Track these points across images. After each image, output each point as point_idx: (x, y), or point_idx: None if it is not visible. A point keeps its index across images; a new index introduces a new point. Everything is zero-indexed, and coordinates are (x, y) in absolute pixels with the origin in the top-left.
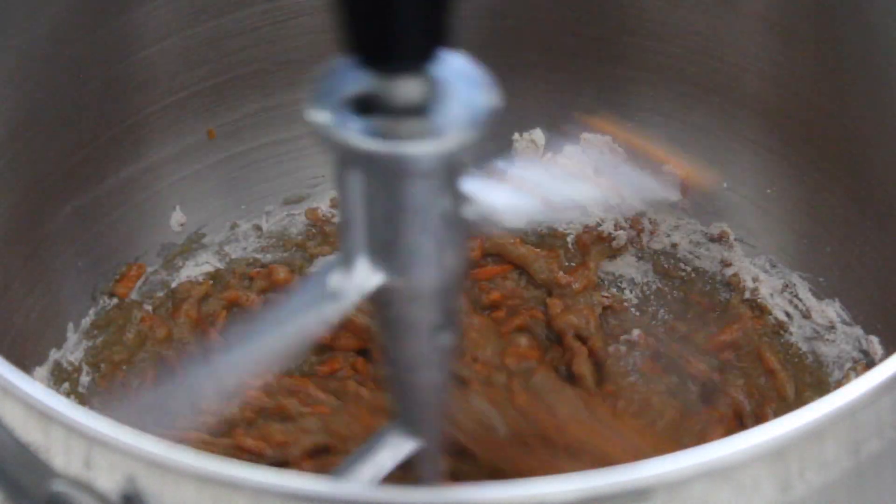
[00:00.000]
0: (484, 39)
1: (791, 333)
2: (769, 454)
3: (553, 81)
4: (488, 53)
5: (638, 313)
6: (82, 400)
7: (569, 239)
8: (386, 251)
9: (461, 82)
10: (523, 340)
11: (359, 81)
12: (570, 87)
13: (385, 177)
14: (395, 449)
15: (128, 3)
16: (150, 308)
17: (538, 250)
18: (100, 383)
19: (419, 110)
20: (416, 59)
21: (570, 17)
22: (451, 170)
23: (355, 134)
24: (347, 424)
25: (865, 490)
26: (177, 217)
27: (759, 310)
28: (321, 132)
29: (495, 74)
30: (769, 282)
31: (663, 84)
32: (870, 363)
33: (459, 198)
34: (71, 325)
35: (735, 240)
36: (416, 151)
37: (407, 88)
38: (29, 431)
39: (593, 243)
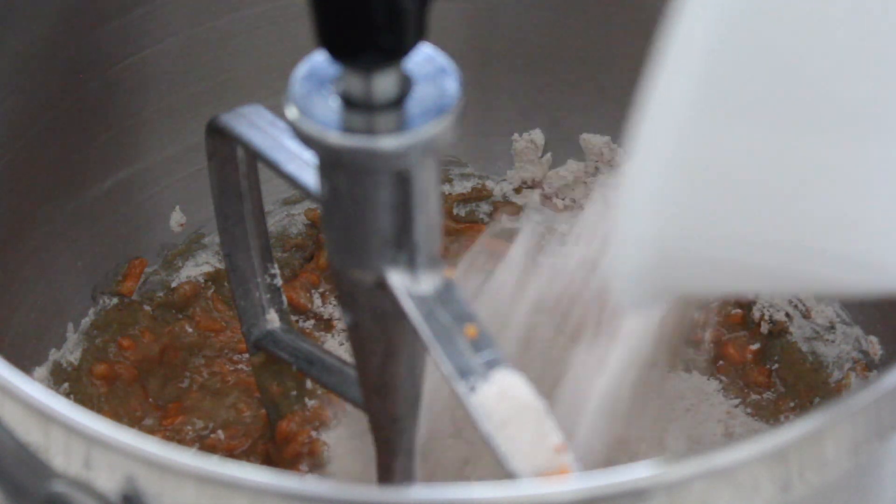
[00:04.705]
0: (484, 40)
1: (791, 333)
2: (769, 454)
3: (553, 82)
4: (488, 54)
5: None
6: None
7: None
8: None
9: (430, 71)
10: None
11: (335, 77)
12: (571, 88)
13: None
14: None
15: (128, 3)
16: (149, 308)
17: None
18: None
19: (395, 103)
20: (394, 55)
21: (571, 17)
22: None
23: (335, 131)
24: None
25: (865, 490)
26: (177, 217)
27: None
28: (300, 130)
29: (495, 75)
30: None
31: None
32: (870, 363)
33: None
34: (71, 325)
35: None
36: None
37: (384, 83)
38: (29, 431)
39: None
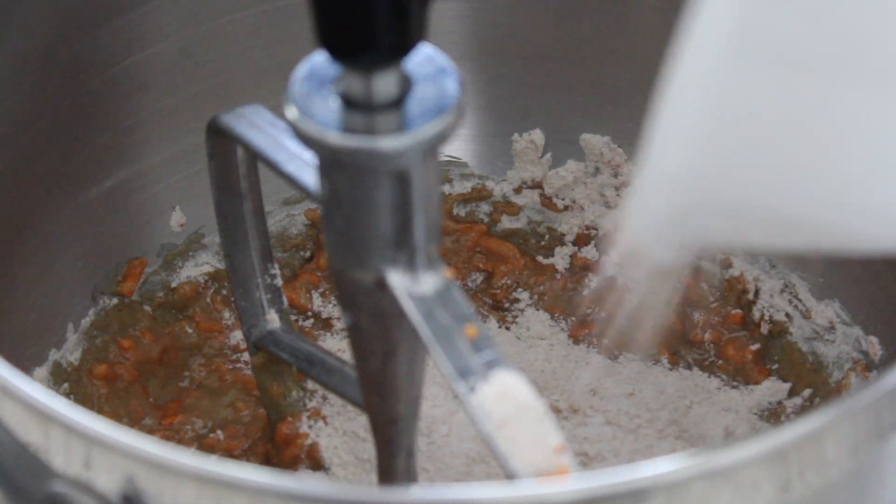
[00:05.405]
0: (484, 40)
1: (791, 333)
2: (769, 455)
3: (553, 82)
4: (488, 54)
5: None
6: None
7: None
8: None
9: (430, 71)
10: None
11: (335, 77)
12: (570, 88)
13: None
14: None
15: (128, 3)
16: (149, 309)
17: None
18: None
19: (395, 104)
20: (394, 55)
21: (571, 17)
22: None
23: (335, 131)
24: None
25: (865, 490)
26: (177, 217)
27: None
28: (300, 130)
29: (495, 75)
30: (769, 282)
31: None
32: (870, 363)
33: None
34: (71, 326)
35: None
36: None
37: (384, 83)
38: (29, 431)
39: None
